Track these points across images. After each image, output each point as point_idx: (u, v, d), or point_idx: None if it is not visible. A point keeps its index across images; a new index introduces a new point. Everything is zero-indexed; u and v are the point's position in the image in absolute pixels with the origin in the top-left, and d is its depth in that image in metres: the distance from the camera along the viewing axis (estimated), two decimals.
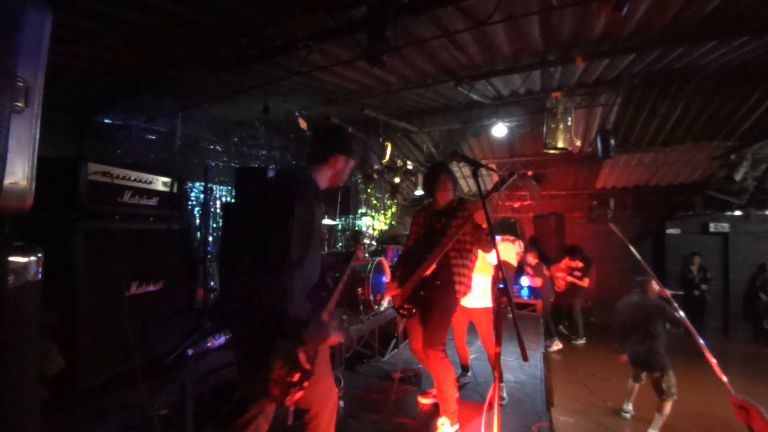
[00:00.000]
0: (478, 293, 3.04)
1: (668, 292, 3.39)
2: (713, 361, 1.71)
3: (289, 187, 1.54)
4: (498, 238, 6.22)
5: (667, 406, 3.61)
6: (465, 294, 2.45)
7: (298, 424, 1.68)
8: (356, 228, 7.59)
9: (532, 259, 6.51)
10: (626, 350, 3.94)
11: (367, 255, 4.93)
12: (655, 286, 3.78)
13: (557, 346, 6.15)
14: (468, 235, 2.41)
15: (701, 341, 1.83)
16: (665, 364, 3.67)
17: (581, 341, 6.53)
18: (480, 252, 2.65)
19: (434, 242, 2.35)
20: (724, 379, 1.60)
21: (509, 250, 6.25)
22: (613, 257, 8.06)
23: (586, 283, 6.46)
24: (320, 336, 1.48)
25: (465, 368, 3.42)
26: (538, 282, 6.32)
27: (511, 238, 6.27)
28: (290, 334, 1.40)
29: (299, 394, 1.45)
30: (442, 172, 2.56)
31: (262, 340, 1.40)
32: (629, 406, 4.08)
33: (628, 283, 7.64)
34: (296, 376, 1.43)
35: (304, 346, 1.45)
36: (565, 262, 6.69)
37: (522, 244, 6.47)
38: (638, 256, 2.00)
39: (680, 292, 4.17)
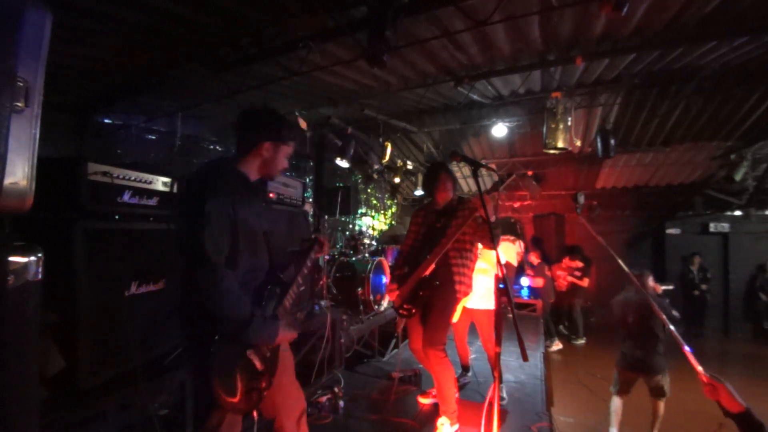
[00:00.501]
0: (481, 294, 3.03)
1: (661, 288, 3.45)
2: (687, 349, 1.85)
3: (205, 181, 1.39)
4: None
5: (663, 406, 3.50)
6: (465, 294, 2.45)
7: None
8: (357, 227, 7.59)
9: (534, 259, 6.51)
10: (620, 355, 3.57)
11: (367, 255, 4.93)
12: (650, 281, 3.63)
13: (557, 346, 6.16)
14: (468, 234, 2.40)
15: (672, 327, 2.08)
16: (666, 365, 3.50)
17: (581, 341, 6.54)
18: (485, 252, 2.64)
19: (434, 242, 2.35)
20: (699, 368, 1.74)
21: (510, 250, 6.25)
22: (613, 257, 8.07)
23: (586, 283, 6.46)
24: (268, 335, 1.39)
25: (465, 368, 3.42)
26: (539, 282, 6.32)
27: (512, 238, 6.28)
28: (234, 337, 1.31)
29: (258, 399, 1.38)
30: (442, 172, 2.56)
31: (204, 348, 1.31)
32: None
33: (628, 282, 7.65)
34: (254, 381, 1.35)
35: (254, 349, 1.37)
36: (565, 262, 6.70)
37: (522, 244, 6.47)
38: (614, 253, 2.02)
39: (671, 287, 4.06)
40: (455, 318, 3.16)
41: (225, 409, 1.37)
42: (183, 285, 1.41)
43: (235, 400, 1.32)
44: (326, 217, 5.35)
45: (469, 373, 3.42)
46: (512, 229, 6.74)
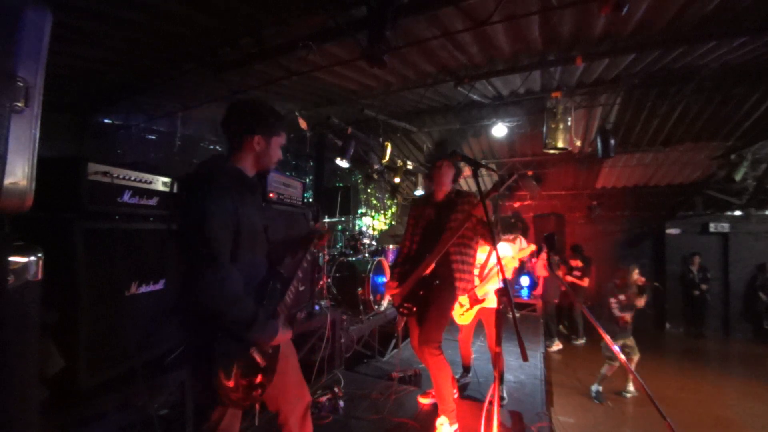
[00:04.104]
0: (492, 294, 3.04)
1: (643, 280, 3.81)
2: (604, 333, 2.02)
3: (204, 180, 1.38)
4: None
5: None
6: (465, 291, 2.44)
7: (271, 425, 1.62)
8: (357, 227, 7.59)
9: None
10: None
11: (367, 255, 4.93)
12: (635, 275, 4.16)
13: (557, 346, 6.16)
14: (470, 231, 2.39)
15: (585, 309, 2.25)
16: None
17: (581, 341, 6.54)
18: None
19: (434, 239, 2.33)
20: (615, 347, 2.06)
21: (511, 250, 6.25)
22: (614, 257, 8.07)
23: (586, 282, 6.47)
24: (269, 333, 1.39)
25: (467, 369, 3.42)
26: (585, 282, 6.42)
27: (511, 237, 6.27)
28: (236, 335, 1.32)
29: (258, 394, 1.38)
30: (444, 160, 2.53)
31: (209, 348, 1.31)
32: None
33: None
34: (257, 378, 1.36)
35: (256, 346, 1.37)
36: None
37: (524, 241, 6.47)
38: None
39: (656, 284, 4.65)
40: (468, 320, 3.17)
41: (226, 405, 1.37)
42: (185, 284, 1.40)
43: (237, 395, 1.32)
44: (326, 217, 5.36)
45: (470, 374, 3.42)
46: (511, 229, 6.70)
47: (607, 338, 1.98)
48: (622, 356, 2.16)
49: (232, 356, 1.32)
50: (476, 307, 3.13)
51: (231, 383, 1.31)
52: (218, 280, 1.25)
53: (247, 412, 1.55)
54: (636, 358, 4.19)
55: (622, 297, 4.14)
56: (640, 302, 4.14)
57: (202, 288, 1.26)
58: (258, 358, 1.37)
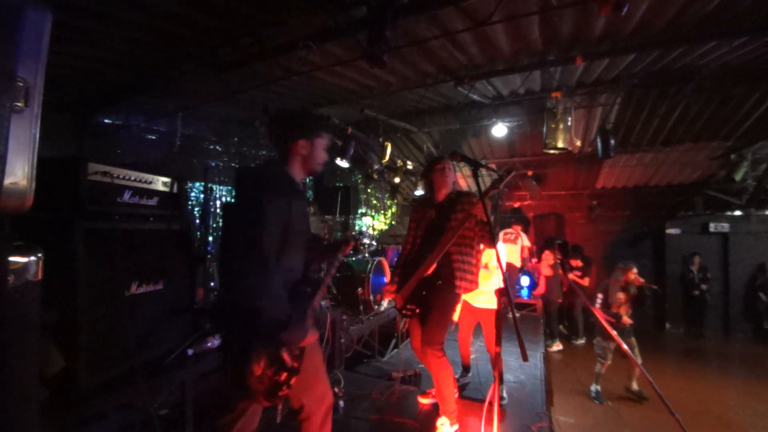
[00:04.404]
0: (488, 294, 3.03)
1: (641, 280, 3.74)
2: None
3: (262, 184, 1.49)
4: (500, 233, 6.16)
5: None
6: (467, 291, 2.44)
7: (293, 425, 1.65)
8: (357, 227, 7.60)
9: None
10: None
11: (367, 255, 4.93)
12: (631, 274, 4.06)
13: (557, 346, 6.15)
14: (471, 231, 2.39)
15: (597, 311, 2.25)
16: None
17: (581, 341, 6.53)
18: (491, 252, 2.63)
19: (434, 240, 2.33)
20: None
21: (512, 251, 6.26)
22: (614, 257, 8.07)
23: (586, 282, 6.46)
24: (300, 335, 1.45)
25: (466, 368, 3.42)
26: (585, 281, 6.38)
27: (512, 235, 6.27)
28: (269, 334, 1.37)
29: (285, 393, 1.43)
30: (443, 161, 2.54)
31: (243, 341, 1.37)
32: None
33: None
34: (283, 376, 1.41)
35: (286, 346, 1.42)
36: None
37: (526, 238, 6.46)
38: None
39: (654, 287, 4.53)
40: (455, 316, 3.17)
41: (251, 398, 1.43)
42: (228, 279, 1.46)
43: (264, 388, 1.38)
44: (327, 216, 5.36)
45: (470, 374, 3.42)
46: (508, 224, 6.69)
47: (617, 337, 1.96)
48: (626, 348, 2.12)
49: (265, 352, 1.38)
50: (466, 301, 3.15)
51: (260, 377, 1.37)
52: (264, 279, 1.34)
53: (267, 410, 1.59)
54: (638, 360, 4.09)
55: (620, 295, 4.06)
56: (625, 316, 4.04)
57: (247, 285, 1.33)
58: (287, 357, 1.42)
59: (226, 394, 1.55)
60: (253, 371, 1.35)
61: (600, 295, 4.26)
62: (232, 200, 1.67)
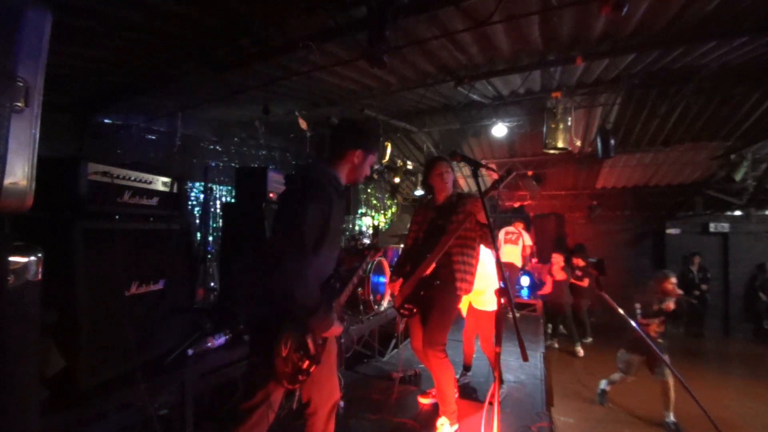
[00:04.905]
0: (487, 295, 3.03)
1: (680, 292, 3.40)
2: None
3: (307, 180, 1.60)
4: (501, 231, 6.13)
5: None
6: (467, 292, 2.44)
7: (298, 424, 1.68)
8: (356, 227, 7.60)
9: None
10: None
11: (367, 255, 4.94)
12: (669, 284, 3.59)
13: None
14: (471, 231, 2.39)
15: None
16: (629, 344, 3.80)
17: (588, 340, 6.50)
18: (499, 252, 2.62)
19: (434, 240, 2.33)
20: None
21: (514, 251, 6.25)
22: (614, 257, 8.07)
23: (586, 283, 6.45)
24: (325, 325, 1.54)
25: (467, 367, 3.42)
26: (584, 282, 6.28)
27: (514, 236, 6.27)
28: (300, 319, 1.48)
29: (303, 379, 1.53)
30: (441, 164, 2.54)
31: (274, 325, 1.47)
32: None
33: (627, 282, 7.66)
34: (305, 362, 1.50)
35: (312, 333, 1.52)
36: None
37: (528, 236, 6.45)
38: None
39: (694, 301, 4.05)
40: (464, 312, 3.17)
41: (277, 381, 1.50)
42: (267, 264, 1.55)
43: (288, 371, 1.48)
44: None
45: (470, 373, 3.42)
46: (509, 221, 6.67)
47: (657, 352, 1.80)
48: (674, 376, 1.67)
49: (293, 335, 1.48)
50: (466, 299, 3.14)
51: (286, 358, 1.46)
52: (301, 265, 1.43)
53: (281, 406, 1.67)
54: (670, 382, 3.52)
55: (661, 306, 3.53)
56: (655, 327, 3.52)
57: (285, 269, 1.43)
58: (311, 344, 1.52)
59: (249, 381, 1.63)
60: (281, 351, 1.44)
61: (638, 306, 3.72)
62: (284, 192, 1.77)
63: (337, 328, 1.61)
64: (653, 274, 3.82)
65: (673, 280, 3.59)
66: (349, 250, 1.80)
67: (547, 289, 6.46)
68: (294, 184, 1.66)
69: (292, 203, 1.54)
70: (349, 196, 5.82)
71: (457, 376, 3.35)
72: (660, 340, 3.59)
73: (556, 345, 6.27)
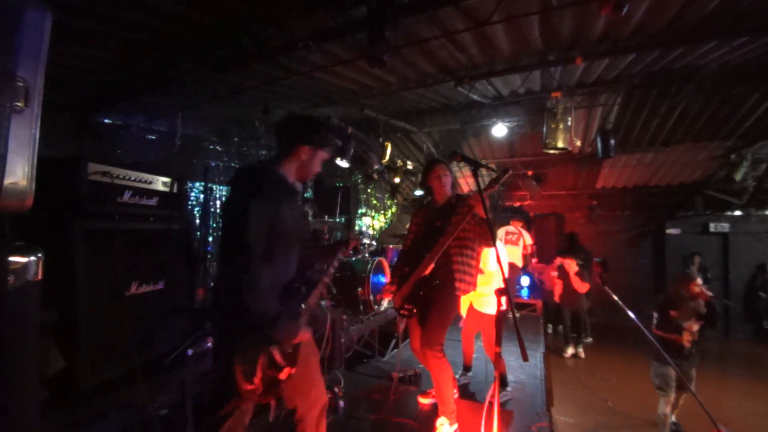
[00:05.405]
0: (488, 297, 3.03)
1: (709, 295, 3.31)
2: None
3: (248, 183, 1.51)
4: (502, 231, 6.11)
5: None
6: (466, 292, 2.44)
7: (290, 426, 1.66)
8: (357, 227, 7.59)
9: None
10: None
11: (367, 255, 4.93)
12: (695, 287, 3.28)
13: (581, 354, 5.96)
14: (470, 231, 2.39)
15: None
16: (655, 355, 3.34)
17: (588, 340, 6.48)
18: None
19: (433, 241, 2.33)
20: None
21: (514, 252, 6.24)
22: (614, 257, 8.07)
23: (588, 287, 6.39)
24: (290, 332, 1.46)
25: (468, 367, 3.42)
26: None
27: (514, 236, 6.26)
28: (258, 330, 1.39)
29: (277, 391, 1.46)
30: (439, 167, 2.55)
31: (231, 338, 1.42)
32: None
33: (626, 282, 7.65)
34: (274, 373, 1.42)
35: (276, 344, 1.43)
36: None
37: (529, 236, 6.43)
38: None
39: (726, 301, 3.63)
40: (463, 312, 3.18)
41: (241, 397, 1.45)
42: (221, 276, 1.51)
43: (252, 388, 1.40)
44: (326, 217, 5.35)
45: (470, 373, 3.42)
46: (509, 221, 6.65)
47: (671, 363, 1.68)
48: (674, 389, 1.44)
49: (253, 350, 1.40)
50: (467, 300, 3.14)
51: (248, 376, 1.39)
52: (253, 274, 1.35)
53: (262, 409, 1.62)
54: (684, 394, 3.30)
55: (673, 312, 3.24)
56: (693, 327, 3.16)
57: (237, 280, 1.36)
58: (277, 356, 1.43)
59: (220, 391, 1.60)
60: (239, 368, 1.37)
61: (655, 314, 3.41)
62: (227, 199, 1.68)
63: (304, 334, 1.53)
64: (671, 277, 3.57)
65: (699, 281, 3.31)
66: (319, 247, 1.75)
67: (558, 291, 6.24)
68: (234, 191, 1.57)
69: (236, 209, 1.45)
70: (348, 196, 5.83)
71: (457, 376, 3.35)
72: (693, 349, 3.25)
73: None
